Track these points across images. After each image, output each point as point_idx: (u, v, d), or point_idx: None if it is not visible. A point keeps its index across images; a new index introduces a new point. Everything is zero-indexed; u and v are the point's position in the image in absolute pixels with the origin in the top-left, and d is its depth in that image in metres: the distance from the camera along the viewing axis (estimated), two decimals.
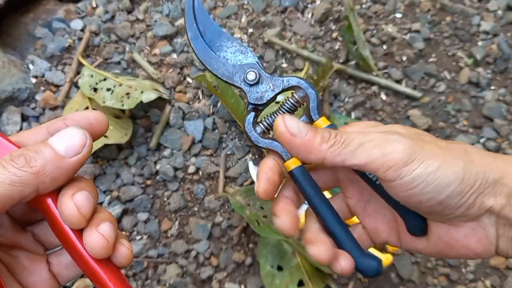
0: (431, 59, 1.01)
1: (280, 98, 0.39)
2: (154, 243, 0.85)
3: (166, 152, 0.91)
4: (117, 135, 0.87)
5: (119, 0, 1.07)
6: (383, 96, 0.98)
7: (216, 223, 0.86)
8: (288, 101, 0.38)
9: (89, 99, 0.92)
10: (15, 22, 1.05)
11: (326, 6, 1.05)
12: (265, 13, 1.06)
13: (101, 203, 0.87)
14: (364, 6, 1.08)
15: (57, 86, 0.98)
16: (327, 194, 0.42)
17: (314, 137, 0.34)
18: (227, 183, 0.89)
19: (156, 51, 1.02)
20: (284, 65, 1.01)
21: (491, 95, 0.96)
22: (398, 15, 1.07)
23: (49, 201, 0.31)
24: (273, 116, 0.38)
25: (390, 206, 0.38)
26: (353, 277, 0.82)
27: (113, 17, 1.06)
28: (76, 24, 1.04)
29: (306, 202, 0.38)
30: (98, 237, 0.30)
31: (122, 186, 0.88)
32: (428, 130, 0.93)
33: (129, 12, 1.07)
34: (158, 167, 0.90)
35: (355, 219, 0.42)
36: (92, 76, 0.95)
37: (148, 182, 0.89)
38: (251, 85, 0.37)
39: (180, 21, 1.05)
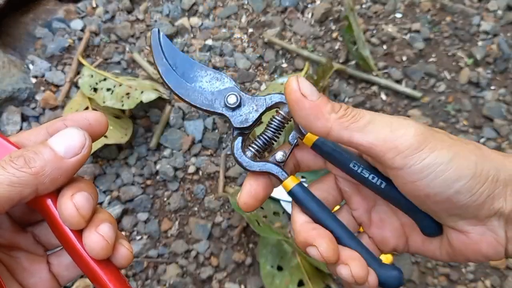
0: (431, 59, 1.01)
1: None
2: (154, 243, 0.85)
3: (166, 152, 0.91)
4: (117, 135, 0.87)
5: (119, 0, 1.07)
6: (383, 96, 0.98)
7: (216, 223, 0.86)
8: (274, 120, 0.36)
9: (89, 99, 0.92)
10: (15, 22, 1.05)
11: (326, 6, 1.05)
12: (265, 13, 1.06)
13: (101, 203, 0.87)
14: (364, 6, 1.08)
15: (57, 86, 0.98)
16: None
17: (325, 104, 0.31)
18: (227, 183, 0.89)
19: None
20: (284, 65, 1.01)
21: (491, 95, 0.96)
22: (398, 15, 1.07)
23: (49, 201, 0.31)
24: (261, 138, 0.37)
25: (397, 211, 0.36)
26: None
27: (113, 17, 1.06)
28: (76, 24, 1.04)
29: (312, 219, 0.36)
30: (97, 238, 0.30)
31: (122, 186, 0.88)
32: None
33: (129, 12, 1.07)
34: (158, 167, 0.90)
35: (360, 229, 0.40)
36: (92, 76, 0.95)
37: (148, 182, 0.89)
38: (233, 109, 0.36)
39: (181, 21, 1.05)
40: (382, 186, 0.35)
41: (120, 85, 0.91)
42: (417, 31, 1.04)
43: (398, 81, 0.99)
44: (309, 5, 1.08)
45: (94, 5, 1.07)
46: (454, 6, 1.06)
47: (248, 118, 0.36)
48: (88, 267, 0.31)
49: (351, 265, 0.32)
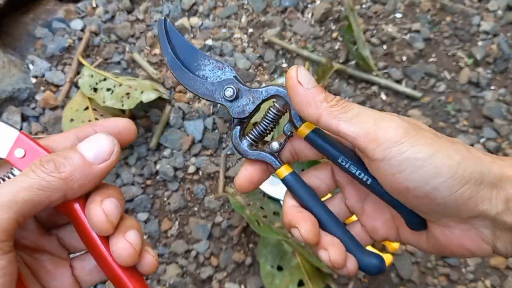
0: (431, 59, 1.01)
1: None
2: (154, 243, 0.85)
3: (166, 152, 0.91)
4: None
5: (119, 0, 1.07)
6: (383, 96, 0.98)
7: (216, 223, 0.86)
8: (270, 111, 0.39)
9: (89, 99, 0.92)
10: (15, 22, 1.05)
11: (326, 6, 1.05)
12: (265, 13, 1.06)
13: None
14: (364, 6, 1.08)
15: (57, 86, 0.98)
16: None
17: (318, 93, 0.33)
18: (227, 183, 0.89)
19: (156, 51, 1.02)
20: (284, 65, 1.01)
21: (491, 95, 0.96)
22: (398, 15, 1.07)
23: (77, 206, 0.32)
24: (258, 128, 0.39)
25: (387, 205, 0.37)
26: (353, 277, 0.82)
27: (113, 17, 1.06)
28: (76, 24, 1.04)
29: (302, 206, 0.38)
30: (125, 245, 0.31)
31: (122, 186, 0.88)
32: None
33: (129, 12, 1.07)
34: (158, 167, 0.90)
35: (354, 217, 0.42)
36: (92, 76, 0.95)
37: (148, 182, 0.89)
38: (231, 101, 0.38)
39: (181, 21, 1.05)
40: (368, 182, 0.36)
41: (120, 85, 0.91)
42: (417, 31, 1.04)
43: (398, 81, 0.99)
44: (309, 5, 1.08)
45: (94, 5, 1.07)
46: (454, 6, 1.06)
47: (245, 110, 0.38)
48: (113, 273, 0.32)
49: (330, 250, 0.35)
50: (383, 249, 0.81)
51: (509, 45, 1.00)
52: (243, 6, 1.07)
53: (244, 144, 0.39)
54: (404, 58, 1.01)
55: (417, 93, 0.96)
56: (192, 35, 1.05)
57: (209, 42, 1.03)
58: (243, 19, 1.06)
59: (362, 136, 0.32)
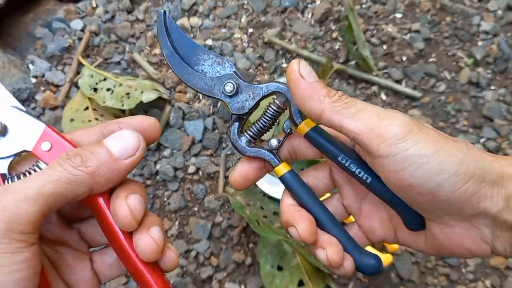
0: (431, 59, 1.01)
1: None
2: None
3: (166, 152, 0.91)
4: None
5: (119, 0, 1.07)
6: (383, 96, 0.98)
7: (216, 223, 0.86)
8: (270, 108, 0.38)
9: (89, 99, 0.92)
10: (15, 22, 1.05)
11: (326, 6, 1.05)
12: (265, 13, 1.06)
13: None
14: (364, 6, 1.08)
15: (57, 86, 0.98)
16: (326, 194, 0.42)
17: (321, 87, 0.33)
18: (227, 183, 0.89)
19: (156, 51, 1.02)
20: (284, 65, 1.01)
21: (491, 95, 0.96)
22: (398, 15, 1.07)
23: (101, 200, 0.32)
24: (257, 125, 0.38)
25: (385, 205, 0.37)
26: (353, 277, 0.82)
27: (113, 17, 1.06)
28: (76, 24, 1.04)
29: (299, 204, 0.38)
30: (149, 240, 0.31)
31: None
32: None
33: (129, 12, 1.07)
34: (158, 167, 0.90)
35: (351, 218, 0.42)
36: (92, 76, 0.95)
37: (148, 182, 0.89)
38: (230, 96, 0.37)
39: (181, 21, 1.05)
40: (368, 181, 0.36)
41: (120, 85, 0.91)
42: (417, 31, 1.04)
43: (398, 81, 0.99)
44: (309, 5, 1.08)
45: (94, 5, 1.07)
46: (454, 6, 1.06)
47: (244, 106, 0.37)
48: (135, 268, 0.32)
49: (328, 249, 0.35)
50: (383, 249, 0.81)
51: (509, 45, 1.00)
52: (243, 6, 1.07)
53: (243, 141, 0.38)
54: (404, 58, 1.01)
55: (417, 93, 0.96)
56: (192, 35, 1.05)
57: (209, 42, 1.03)
58: (243, 19, 1.06)
59: (366, 132, 0.31)
